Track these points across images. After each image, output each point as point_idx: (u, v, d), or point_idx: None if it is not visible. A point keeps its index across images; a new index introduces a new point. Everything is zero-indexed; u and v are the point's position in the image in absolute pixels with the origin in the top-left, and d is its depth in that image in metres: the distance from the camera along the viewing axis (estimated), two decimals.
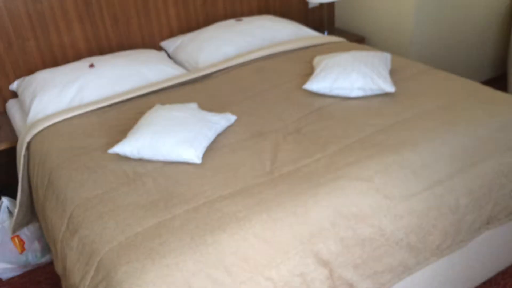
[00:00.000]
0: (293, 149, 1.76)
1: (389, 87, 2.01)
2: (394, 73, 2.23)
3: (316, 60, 2.30)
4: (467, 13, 3.13)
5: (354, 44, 2.65)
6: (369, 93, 2.05)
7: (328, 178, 1.58)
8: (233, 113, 2.04)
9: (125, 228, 1.39)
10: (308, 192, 1.52)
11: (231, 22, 2.86)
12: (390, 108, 1.94)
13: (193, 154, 1.70)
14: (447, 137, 1.75)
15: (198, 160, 1.70)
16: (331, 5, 3.46)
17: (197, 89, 2.30)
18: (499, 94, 1.99)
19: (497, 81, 3.48)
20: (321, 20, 3.46)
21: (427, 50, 3.07)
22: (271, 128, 1.91)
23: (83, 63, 2.42)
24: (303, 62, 2.44)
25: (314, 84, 2.09)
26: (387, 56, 2.25)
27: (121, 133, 1.92)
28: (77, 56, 2.66)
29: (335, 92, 2.07)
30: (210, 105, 2.12)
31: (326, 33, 3.25)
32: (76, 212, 1.53)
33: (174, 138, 1.73)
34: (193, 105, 1.98)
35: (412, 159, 1.66)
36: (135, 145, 1.72)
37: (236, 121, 1.98)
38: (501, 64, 3.53)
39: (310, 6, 3.34)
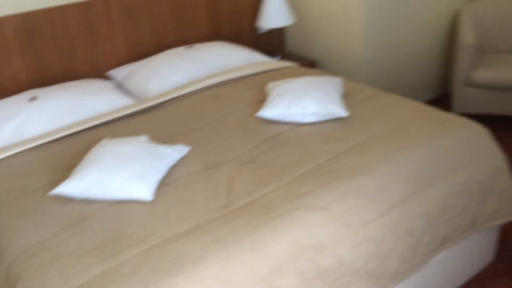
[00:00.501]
0: (248, 179, 1.71)
1: (342, 112, 2.01)
2: (346, 97, 2.24)
3: (269, 86, 2.28)
4: (411, 37, 3.23)
5: (306, 69, 2.66)
6: (322, 118, 2.04)
7: (285, 209, 1.53)
8: (186, 143, 1.97)
9: (69, 279, 1.28)
10: (266, 225, 1.47)
11: (181, 49, 2.81)
12: (344, 133, 1.94)
13: (144, 190, 1.62)
14: (400, 160, 1.75)
15: (150, 197, 1.62)
16: (282, 30, 3.49)
17: (148, 120, 2.22)
18: (447, 115, 2.03)
19: (439, 101, 3.59)
20: (272, 45, 3.47)
21: (374, 72, 3.13)
22: (226, 158, 1.86)
23: (24, 96, 2.29)
24: (256, 88, 2.42)
25: (268, 112, 2.06)
26: (338, 80, 2.26)
27: (66, 171, 1.80)
28: (18, 89, 2.51)
29: (289, 118, 2.05)
30: (162, 136, 2.04)
31: (278, 57, 3.26)
32: (15, 262, 1.40)
33: (124, 174, 1.64)
34: (144, 138, 1.90)
35: (367, 185, 1.65)
36: (80, 184, 1.61)
37: (189, 152, 1.91)
38: (443, 85, 3.65)
39: (261, 31, 3.35)
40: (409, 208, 1.66)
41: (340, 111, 2.01)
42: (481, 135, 1.92)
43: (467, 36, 2.98)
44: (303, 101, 2.02)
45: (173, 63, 2.64)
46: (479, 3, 3.32)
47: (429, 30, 3.31)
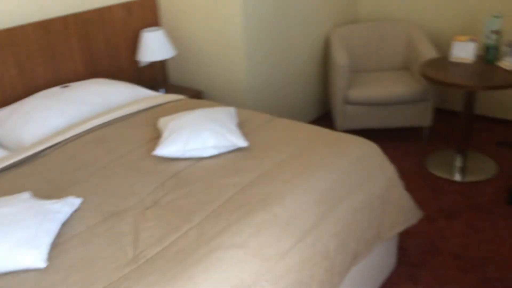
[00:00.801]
0: (155, 225, 1.58)
1: (242, 142, 1.98)
2: (241, 126, 2.22)
3: (162, 122, 2.17)
4: (290, 61, 3.36)
5: (195, 101, 2.59)
6: (223, 150, 1.98)
7: (201, 254, 1.43)
8: (77, 194, 1.76)
9: None
10: (183, 275, 1.35)
11: (56, 89, 2.56)
12: (247, 164, 1.90)
13: (35, 256, 1.39)
14: (307, 185, 1.76)
15: (43, 263, 1.40)
16: (163, 62, 3.39)
17: (27, 173, 1.95)
18: (340, 135, 2.11)
19: (322, 120, 3.80)
20: (155, 78, 3.36)
21: (260, 98, 3.19)
22: (126, 205, 1.70)
23: None
24: (147, 126, 2.28)
25: (165, 149, 1.95)
26: (232, 110, 2.23)
27: None
28: None
29: (189, 154, 1.96)
30: (48, 190, 1.80)
31: (163, 91, 3.16)
32: None
33: (8, 241, 1.39)
34: (26, 195, 1.66)
35: (280, 214, 1.62)
36: None
37: (82, 204, 1.71)
38: (323, 104, 3.87)
39: (141, 64, 3.22)
40: (322, 231, 1.67)
41: (240, 142, 1.98)
42: (373, 150, 2.02)
43: (340, 58, 3.19)
44: (201, 135, 1.95)
45: (48, 106, 2.38)
46: (345, 27, 3.60)
47: (305, 54, 3.49)
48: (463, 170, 2.95)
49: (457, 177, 2.90)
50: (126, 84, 2.75)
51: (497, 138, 3.37)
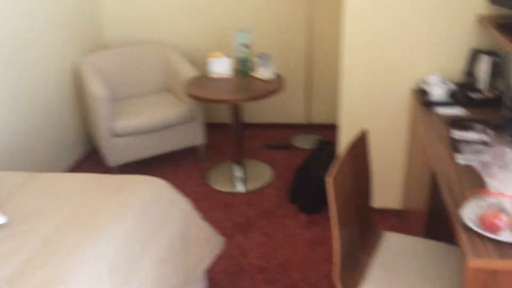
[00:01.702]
0: None
1: None
2: None
3: None
4: (36, 101, 2.87)
5: None
6: None
7: None
8: None
9: None
10: None
11: None
12: (8, 246, 1.45)
13: None
14: (97, 251, 1.44)
15: None
16: None
17: None
18: (124, 178, 1.83)
19: (89, 158, 3.41)
20: None
21: (4, 152, 2.62)
22: None
23: None
24: None
25: None
26: None
27: None
28: None
29: None
30: None
31: None
32: None
33: None
34: None
35: None
36: None
37: None
38: (87, 141, 3.47)
39: None
40: None
41: None
42: (163, 187, 1.82)
43: (97, 89, 2.86)
44: None
45: None
46: (95, 55, 3.29)
47: (53, 89, 3.04)
48: (244, 180, 3.02)
49: (240, 188, 2.95)
50: None
51: (265, 142, 3.59)
